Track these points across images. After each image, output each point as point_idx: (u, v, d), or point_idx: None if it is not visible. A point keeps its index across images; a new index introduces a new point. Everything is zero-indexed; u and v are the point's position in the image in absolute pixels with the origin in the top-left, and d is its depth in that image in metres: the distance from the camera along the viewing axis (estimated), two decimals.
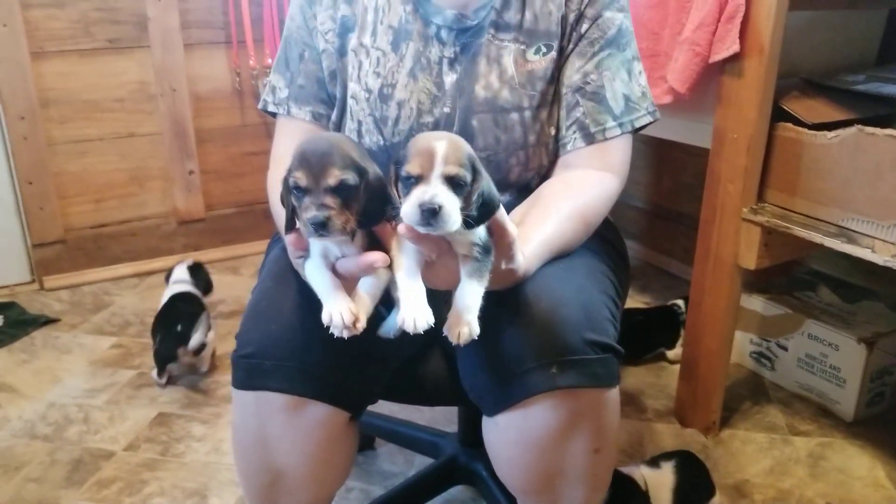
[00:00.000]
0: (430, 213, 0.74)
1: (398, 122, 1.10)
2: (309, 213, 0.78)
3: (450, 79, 1.09)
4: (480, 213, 0.78)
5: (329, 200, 0.78)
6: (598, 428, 0.97)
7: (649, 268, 2.69)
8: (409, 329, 0.79)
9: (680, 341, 2.01)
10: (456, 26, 1.09)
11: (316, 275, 0.86)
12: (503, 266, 0.86)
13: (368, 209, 0.81)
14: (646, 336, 2.05)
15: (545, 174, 1.14)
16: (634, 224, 2.74)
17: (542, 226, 0.99)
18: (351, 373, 0.98)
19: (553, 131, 1.12)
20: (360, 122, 1.12)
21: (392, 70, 1.10)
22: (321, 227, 0.78)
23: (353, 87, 1.12)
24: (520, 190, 1.12)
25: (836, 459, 1.65)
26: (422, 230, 0.76)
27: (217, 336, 2.20)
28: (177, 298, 2.12)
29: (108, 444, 1.72)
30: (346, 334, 0.82)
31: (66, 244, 2.57)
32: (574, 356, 0.91)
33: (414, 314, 0.79)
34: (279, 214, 1.10)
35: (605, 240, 1.15)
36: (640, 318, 2.09)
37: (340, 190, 0.78)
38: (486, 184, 0.79)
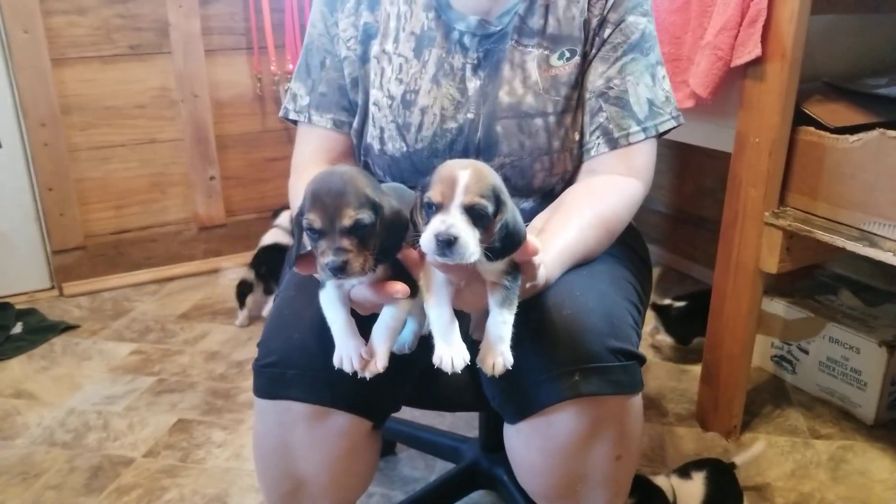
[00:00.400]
0: (446, 244, 0.73)
1: (421, 128, 1.10)
2: (326, 257, 0.76)
3: (473, 84, 1.10)
4: (504, 245, 0.78)
5: (346, 243, 0.76)
6: (620, 435, 0.97)
7: (671, 272, 2.68)
8: (447, 369, 0.80)
9: None
10: (479, 32, 1.09)
11: (329, 310, 0.85)
12: (527, 286, 0.86)
13: (386, 244, 0.80)
14: None
15: (569, 179, 1.14)
16: (656, 228, 2.74)
17: (564, 233, 0.99)
18: (374, 382, 0.97)
19: (577, 136, 1.12)
20: (382, 129, 1.12)
21: (415, 76, 1.10)
22: (339, 272, 0.76)
23: (375, 93, 1.12)
24: (544, 195, 1.12)
25: (857, 462, 1.64)
26: (439, 260, 0.76)
27: (238, 343, 2.23)
28: (274, 248, 2.40)
29: (128, 450, 1.72)
30: (368, 375, 0.83)
31: (86, 250, 2.59)
32: (597, 363, 0.91)
33: (450, 353, 0.80)
34: None
35: (627, 245, 1.15)
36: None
37: (356, 230, 0.76)
38: (512, 215, 0.78)
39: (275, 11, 2.61)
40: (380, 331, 0.85)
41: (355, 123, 1.16)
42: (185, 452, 1.71)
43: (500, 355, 0.82)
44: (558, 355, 0.91)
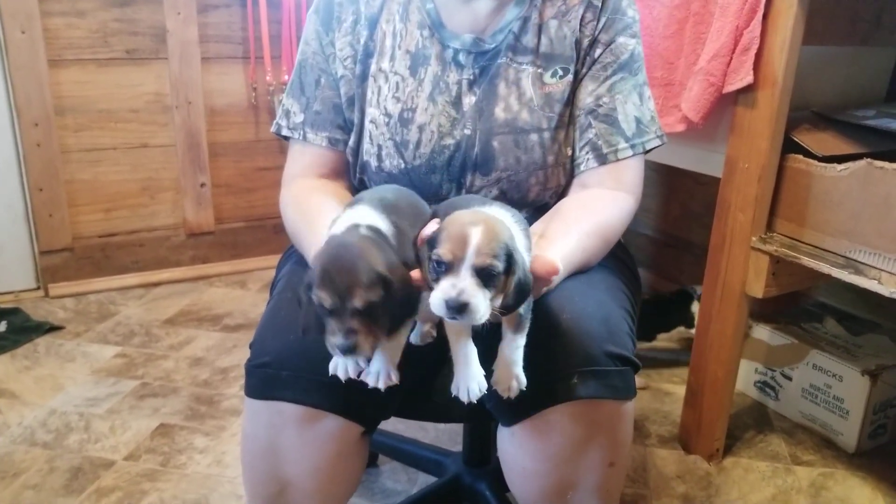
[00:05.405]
0: (457, 310, 0.73)
1: (419, 145, 1.11)
2: (336, 338, 0.76)
3: (468, 100, 1.11)
4: (516, 300, 0.78)
5: (355, 323, 0.76)
6: (613, 441, 0.98)
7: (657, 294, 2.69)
8: (464, 399, 0.82)
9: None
10: (474, 50, 1.11)
11: None
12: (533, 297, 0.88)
13: (396, 314, 0.80)
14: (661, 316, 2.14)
15: (562, 194, 1.16)
16: (643, 251, 2.75)
17: (564, 240, 1.00)
18: (367, 388, 0.98)
19: (569, 152, 1.14)
20: (379, 147, 1.13)
21: (411, 94, 1.12)
22: (349, 352, 0.77)
23: (372, 111, 1.14)
24: (537, 209, 1.14)
25: (837, 490, 1.65)
26: (448, 321, 0.77)
27: (223, 349, 2.22)
28: None
29: (109, 453, 1.71)
30: (382, 387, 0.86)
31: (73, 252, 2.57)
32: (595, 367, 0.93)
33: (467, 383, 0.81)
34: (294, 234, 1.11)
35: (618, 259, 1.17)
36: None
37: (367, 310, 0.76)
38: (523, 270, 0.78)
39: (272, 22, 2.63)
40: (386, 352, 0.86)
41: (351, 141, 1.17)
42: (167, 457, 1.70)
43: (514, 378, 0.84)
44: (557, 358, 0.92)
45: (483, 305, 0.73)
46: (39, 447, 1.72)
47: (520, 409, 0.95)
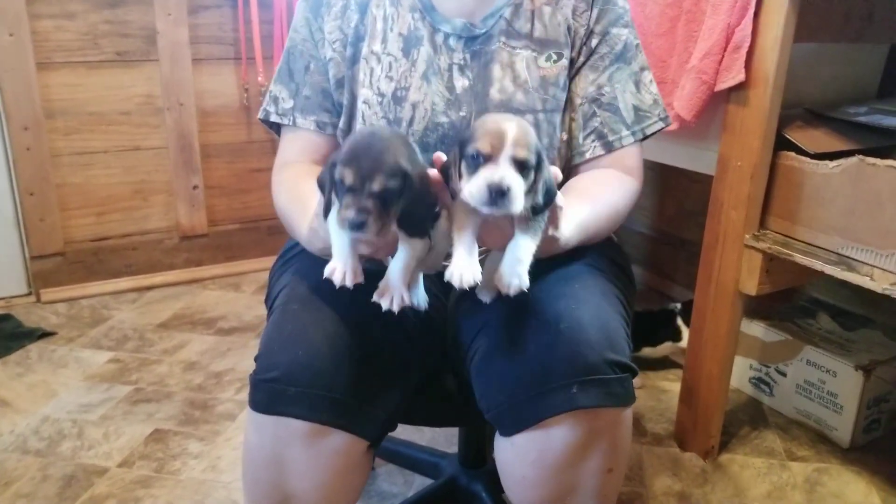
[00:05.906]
0: (499, 194, 0.75)
1: (413, 122, 1.12)
2: (349, 212, 0.79)
3: (461, 84, 1.13)
4: (545, 199, 0.81)
5: (370, 204, 0.79)
6: (613, 448, 0.98)
7: (652, 293, 2.70)
8: (456, 284, 0.81)
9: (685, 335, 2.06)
10: (465, 35, 1.13)
11: (336, 231, 0.87)
12: (549, 232, 0.89)
13: (412, 212, 0.83)
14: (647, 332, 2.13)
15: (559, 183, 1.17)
16: (638, 249, 2.75)
17: (581, 207, 1.02)
18: (375, 401, 0.98)
19: (565, 136, 1.16)
20: (372, 126, 1.13)
21: (405, 74, 1.13)
22: (357, 228, 0.80)
23: (365, 92, 1.14)
24: None
25: (832, 485, 1.65)
26: (486, 210, 0.78)
27: (218, 353, 2.21)
28: None
29: (102, 460, 1.70)
30: (395, 309, 0.87)
31: (65, 257, 2.56)
32: (595, 375, 0.92)
33: (461, 270, 0.81)
34: (286, 216, 1.11)
35: (612, 261, 1.16)
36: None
37: (383, 194, 0.80)
38: (547, 169, 0.81)
39: (263, 23, 2.62)
40: (395, 272, 0.88)
41: (341, 123, 1.18)
42: (161, 463, 1.69)
43: (517, 276, 0.82)
44: (556, 368, 0.92)
45: (521, 194, 0.77)
46: (32, 455, 1.71)
47: (520, 418, 0.95)
